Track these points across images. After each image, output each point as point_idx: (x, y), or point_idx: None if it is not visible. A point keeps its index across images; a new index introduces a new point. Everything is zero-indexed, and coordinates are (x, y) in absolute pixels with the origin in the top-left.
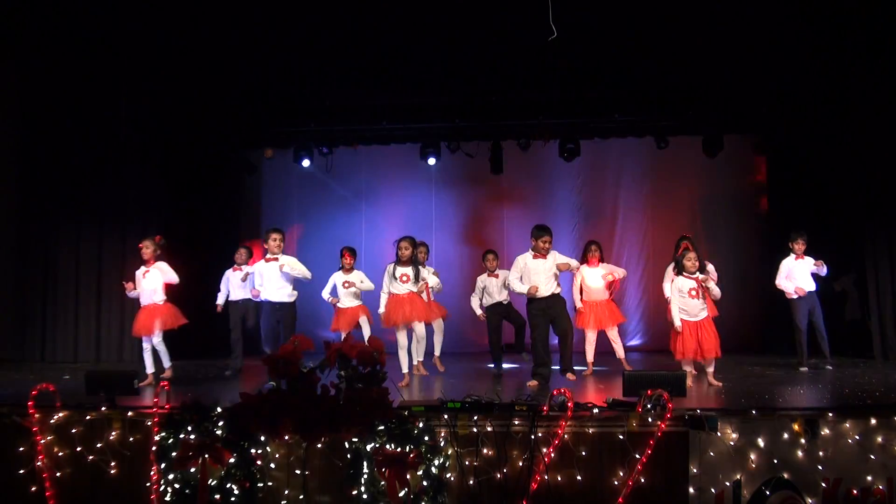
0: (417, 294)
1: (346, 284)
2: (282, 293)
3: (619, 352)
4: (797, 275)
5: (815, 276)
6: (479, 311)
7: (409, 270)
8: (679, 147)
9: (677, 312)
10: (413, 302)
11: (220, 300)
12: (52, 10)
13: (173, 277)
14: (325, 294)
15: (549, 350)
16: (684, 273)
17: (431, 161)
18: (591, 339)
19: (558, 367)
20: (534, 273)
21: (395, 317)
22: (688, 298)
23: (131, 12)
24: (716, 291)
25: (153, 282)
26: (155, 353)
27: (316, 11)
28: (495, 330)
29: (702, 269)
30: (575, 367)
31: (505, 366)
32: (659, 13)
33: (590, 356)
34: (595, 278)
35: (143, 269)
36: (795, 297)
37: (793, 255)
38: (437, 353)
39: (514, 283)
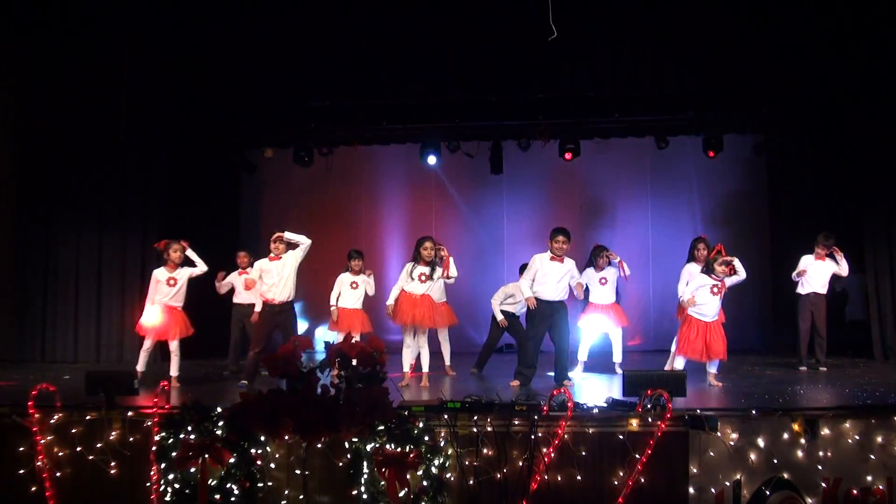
0: (431, 297)
1: (354, 285)
2: (285, 292)
3: (617, 356)
4: (812, 274)
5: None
6: (500, 317)
7: (427, 270)
8: (679, 147)
9: (685, 290)
10: (425, 305)
11: (226, 281)
12: (55, 5)
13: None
14: (333, 299)
15: (537, 355)
16: (712, 274)
17: (431, 161)
18: (586, 339)
19: (553, 374)
20: (548, 275)
21: (404, 316)
22: (709, 295)
23: (133, 10)
24: (739, 270)
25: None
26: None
27: (317, 11)
28: (495, 338)
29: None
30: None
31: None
32: (659, 13)
33: (582, 356)
34: (601, 281)
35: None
36: (804, 293)
37: (813, 255)
38: (447, 362)
39: (523, 282)
